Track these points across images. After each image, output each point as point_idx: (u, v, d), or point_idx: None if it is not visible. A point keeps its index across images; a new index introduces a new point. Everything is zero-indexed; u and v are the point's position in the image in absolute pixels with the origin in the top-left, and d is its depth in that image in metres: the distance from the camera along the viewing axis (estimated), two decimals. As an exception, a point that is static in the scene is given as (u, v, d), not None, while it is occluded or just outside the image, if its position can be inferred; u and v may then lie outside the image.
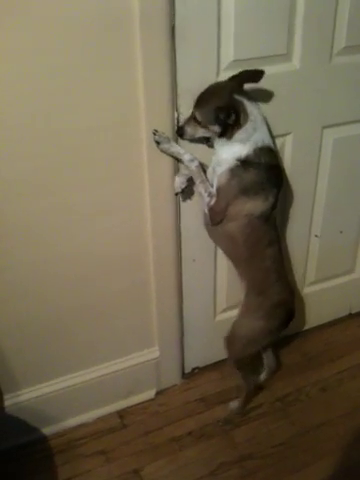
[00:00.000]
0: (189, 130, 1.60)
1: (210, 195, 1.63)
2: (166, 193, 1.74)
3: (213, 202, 1.64)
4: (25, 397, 1.86)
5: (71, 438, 1.94)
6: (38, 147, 1.50)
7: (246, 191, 1.61)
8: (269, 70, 1.62)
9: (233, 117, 1.52)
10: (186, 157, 1.63)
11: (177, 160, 1.68)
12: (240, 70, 1.54)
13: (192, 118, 1.58)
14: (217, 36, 1.55)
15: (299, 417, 2.01)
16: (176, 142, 1.64)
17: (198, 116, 1.56)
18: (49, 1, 1.33)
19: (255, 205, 1.63)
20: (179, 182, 1.71)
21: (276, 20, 1.62)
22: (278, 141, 1.81)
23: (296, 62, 1.72)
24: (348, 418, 1.99)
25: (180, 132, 1.62)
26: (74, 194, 1.62)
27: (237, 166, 1.58)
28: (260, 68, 1.53)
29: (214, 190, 1.63)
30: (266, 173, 1.61)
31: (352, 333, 2.40)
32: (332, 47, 1.76)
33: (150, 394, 2.10)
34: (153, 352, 2.05)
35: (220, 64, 1.60)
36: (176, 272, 1.92)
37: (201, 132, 1.60)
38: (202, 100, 1.55)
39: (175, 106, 1.60)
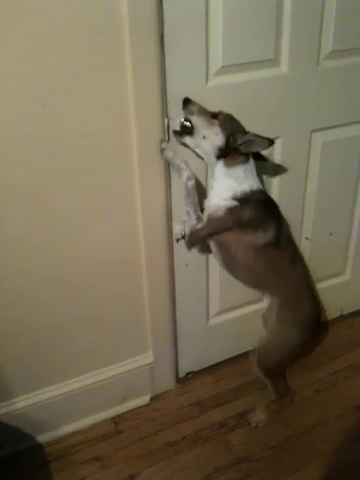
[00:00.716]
0: (198, 119, 1.56)
1: (198, 219, 1.64)
2: (157, 199, 1.74)
3: (199, 226, 1.64)
4: (20, 405, 1.86)
5: (66, 445, 1.94)
6: (31, 154, 1.50)
7: (244, 227, 1.62)
8: (257, 75, 1.66)
9: (243, 145, 1.54)
10: (185, 173, 1.60)
11: (168, 165, 1.69)
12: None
13: (210, 114, 1.56)
14: (206, 42, 1.56)
15: (294, 419, 2.01)
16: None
17: (221, 115, 1.56)
18: (41, 11, 1.34)
19: (256, 237, 1.64)
20: (179, 229, 1.74)
21: (263, 26, 1.63)
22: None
23: (284, 67, 1.73)
24: (343, 419, 2.00)
25: (188, 102, 1.56)
26: (67, 201, 1.62)
27: (235, 206, 1.59)
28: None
29: (204, 217, 1.64)
30: (262, 208, 1.63)
31: (344, 334, 2.41)
32: (319, 52, 1.78)
33: (145, 399, 2.10)
34: (147, 357, 2.05)
35: (209, 70, 1.60)
36: (168, 277, 1.92)
37: (206, 130, 1.55)
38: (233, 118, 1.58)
39: (165, 112, 1.60)
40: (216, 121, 1.55)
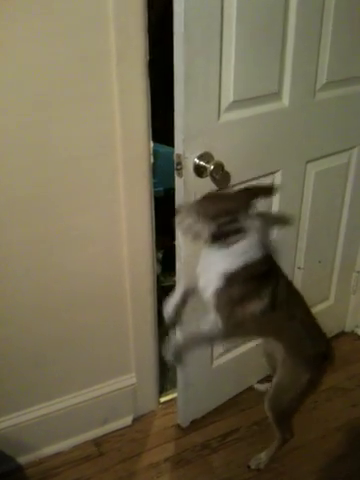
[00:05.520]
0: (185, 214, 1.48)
1: (212, 326, 1.55)
2: (142, 223, 1.76)
3: (221, 325, 1.54)
4: (0, 426, 1.82)
5: (47, 467, 1.91)
6: (16, 178, 1.51)
7: (238, 303, 1.52)
8: (262, 109, 1.66)
9: (229, 235, 1.42)
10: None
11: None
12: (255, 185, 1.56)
13: (195, 208, 1.48)
14: (219, 77, 1.53)
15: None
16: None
17: (201, 211, 1.45)
18: (33, 40, 1.37)
19: (253, 308, 1.54)
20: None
21: (269, 59, 1.64)
22: (268, 179, 1.81)
23: (285, 100, 1.74)
24: (323, 441, 2.03)
25: (177, 211, 1.51)
26: (51, 223, 1.62)
27: (224, 285, 1.48)
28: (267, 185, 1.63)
29: (211, 317, 1.54)
30: (256, 280, 1.51)
31: (326, 356, 2.46)
32: (315, 83, 1.81)
33: (127, 421, 2.09)
34: (130, 378, 2.04)
35: (221, 105, 1.57)
36: (152, 300, 1.93)
37: (193, 226, 1.47)
38: (211, 199, 1.49)
39: (151, 138, 1.63)
40: (199, 217, 1.46)
